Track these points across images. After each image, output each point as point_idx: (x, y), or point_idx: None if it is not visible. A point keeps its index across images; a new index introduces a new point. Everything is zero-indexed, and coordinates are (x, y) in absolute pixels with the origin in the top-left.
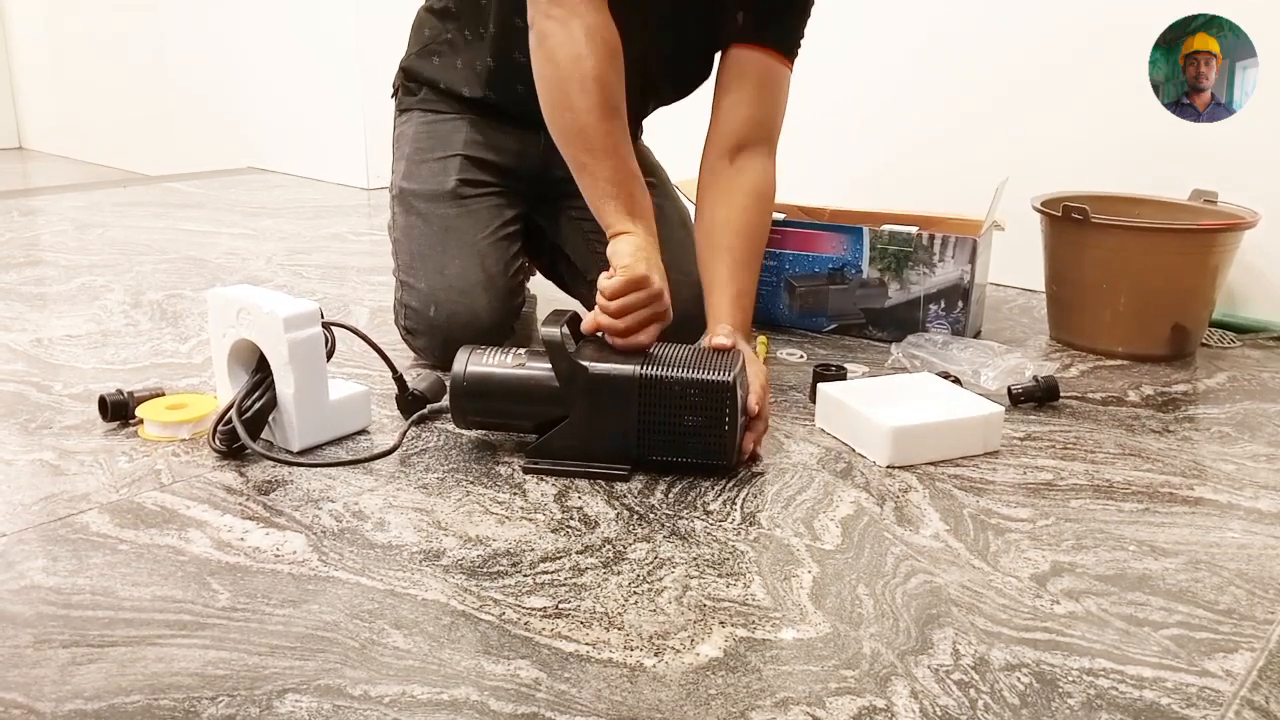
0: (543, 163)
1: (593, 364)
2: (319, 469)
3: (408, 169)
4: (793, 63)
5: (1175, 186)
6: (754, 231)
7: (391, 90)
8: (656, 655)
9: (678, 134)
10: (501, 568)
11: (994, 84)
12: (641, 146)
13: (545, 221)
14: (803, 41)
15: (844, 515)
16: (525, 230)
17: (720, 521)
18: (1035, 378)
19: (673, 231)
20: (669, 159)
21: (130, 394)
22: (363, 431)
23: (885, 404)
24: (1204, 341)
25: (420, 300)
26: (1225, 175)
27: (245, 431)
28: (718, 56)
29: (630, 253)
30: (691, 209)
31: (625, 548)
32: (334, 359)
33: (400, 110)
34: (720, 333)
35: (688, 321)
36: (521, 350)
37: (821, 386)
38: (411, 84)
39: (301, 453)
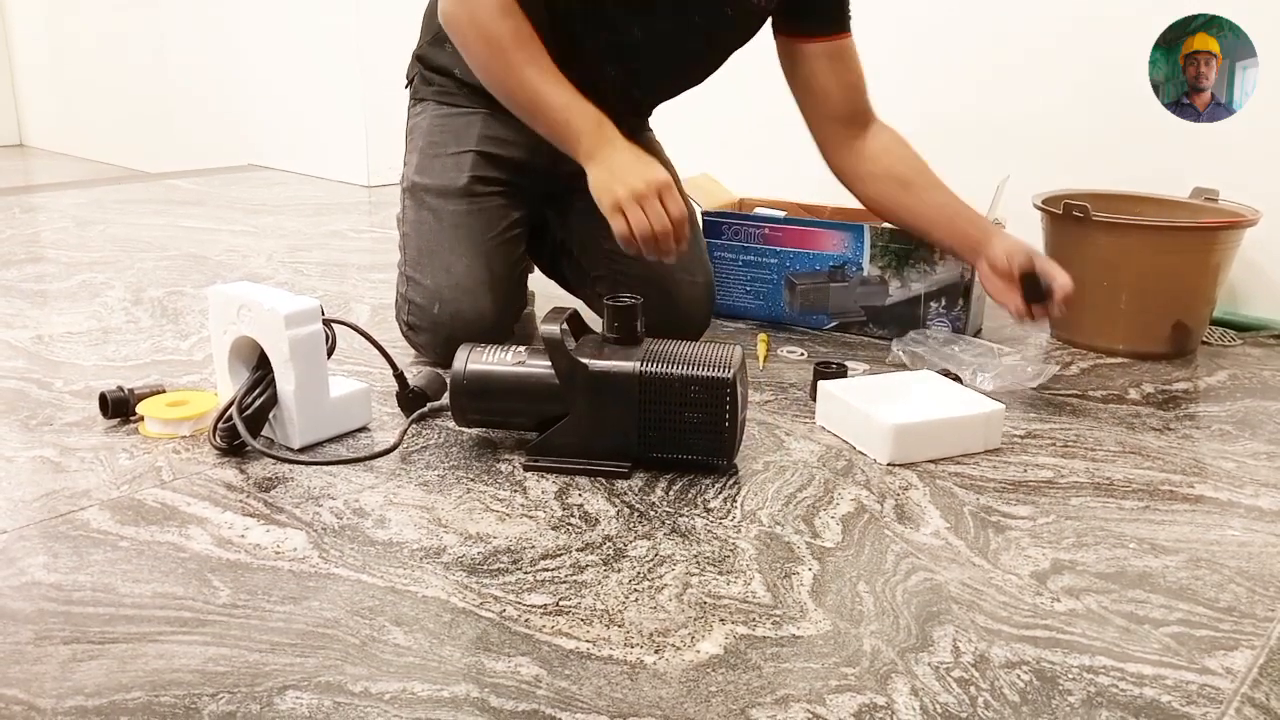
0: (553, 158)
1: (593, 361)
2: (319, 466)
3: (421, 162)
4: (848, 31)
5: (1176, 184)
6: (926, 167)
7: (406, 80)
8: (657, 652)
9: (684, 132)
10: (502, 565)
11: (995, 82)
12: (654, 143)
13: (552, 218)
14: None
15: (844, 513)
16: (530, 227)
17: (721, 519)
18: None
19: (695, 235)
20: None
21: (131, 391)
22: (363, 429)
23: (886, 402)
24: (1205, 339)
25: (425, 297)
26: (1226, 173)
27: (246, 429)
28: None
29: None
30: (697, 210)
31: (626, 545)
32: (334, 356)
33: (415, 100)
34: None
35: (690, 321)
36: (522, 348)
37: (822, 384)
38: (428, 73)
39: (302, 450)
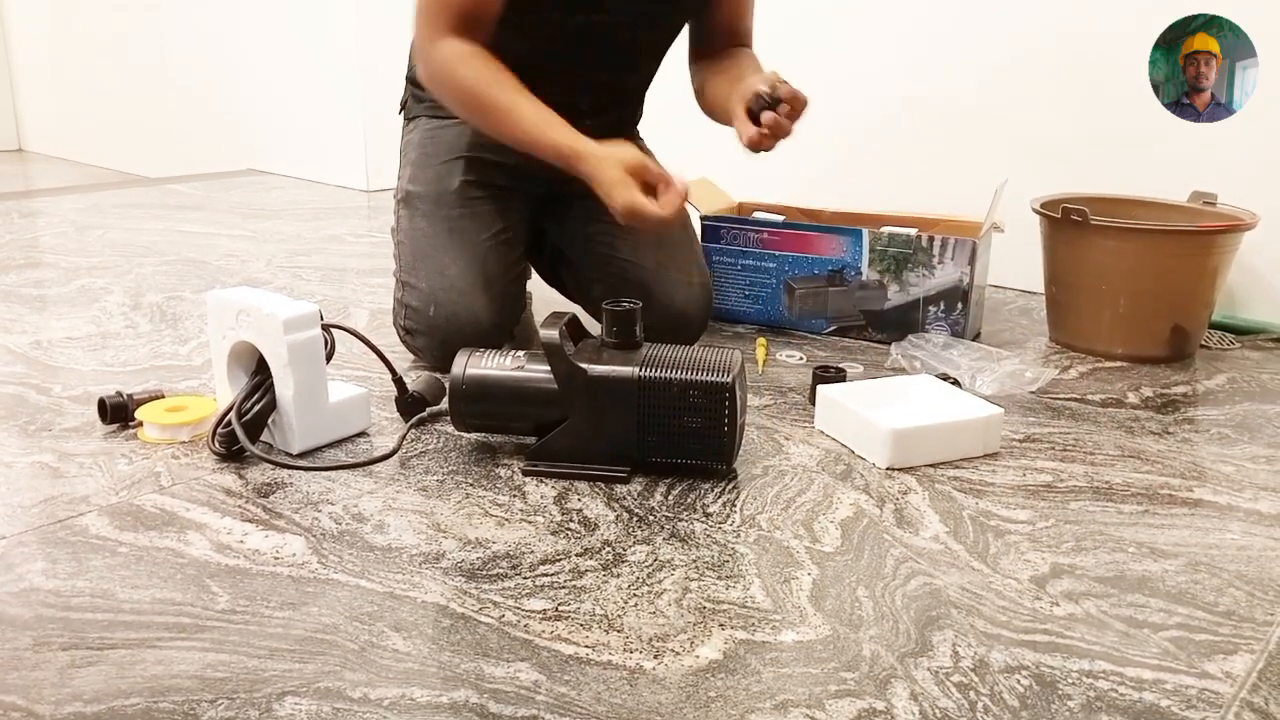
0: (546, 164)
1: (591, 366)
2: (318, 471)
3: (413, 173)
4: None
5: (1174, 188)
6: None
7: (400, 105)
8: (656, 658)
9: (682, 136)
10: (501, 570)
11: (993, 85)
12: (641, 145)
13: (550, 224)
14: None
15: (843, 517)
16: (528, 232)
17: (720, 524)
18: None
19: (675, 232)
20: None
21: (130, 396)
22: (362, 434)
23: (885, 406)
24: (1203, 343)
25: (420, 300)
26: (1224, 177)
27: (245, 434)
28: None
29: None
30: (696, 214)
31: (625, 550)
32: (333, 361)
33: (407, 119)
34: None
35: (686, 322)
36: (520, 352)
37: (821, 388)
38: (419, 91)
39: (301, 455)
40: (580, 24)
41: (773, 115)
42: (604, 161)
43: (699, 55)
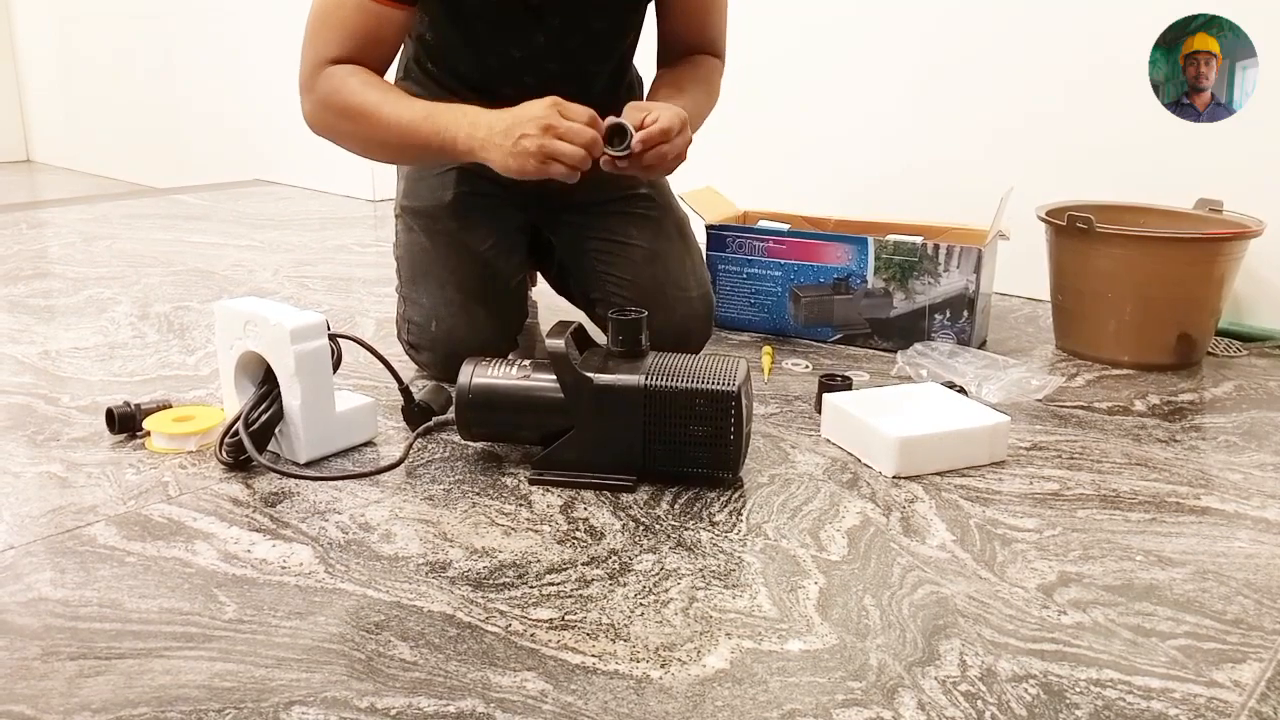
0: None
1: (597, 375)
2: (325, 481)
3: (408, 187)
4: None
5: (1180, 195)
6: (699, 84)
7: None
8: (663, 667)
9: None
10: (508, 579)
11: (998, 93)
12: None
13: (549, 233)
14: None
15: (850, 526)
16: (532, 239)
17: (726, 532)
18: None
19: (671, 244)
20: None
21: (137, 406)
22: (369, 443)
23: (891, 414)
24: (1210, 350)
25: (423, 315)
26: (1230, 184)
27: (252, 443)
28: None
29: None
30: (693, 216)
31: (631, 559)
32: (340, 371)
33: None
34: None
35: (686, 335)
36: (526, 362)
37: (827, 397)
38: None
39: (308, 464)
40: (518, 55)
41: (608, 158)
42: (500, 115)
43: (659, 61)
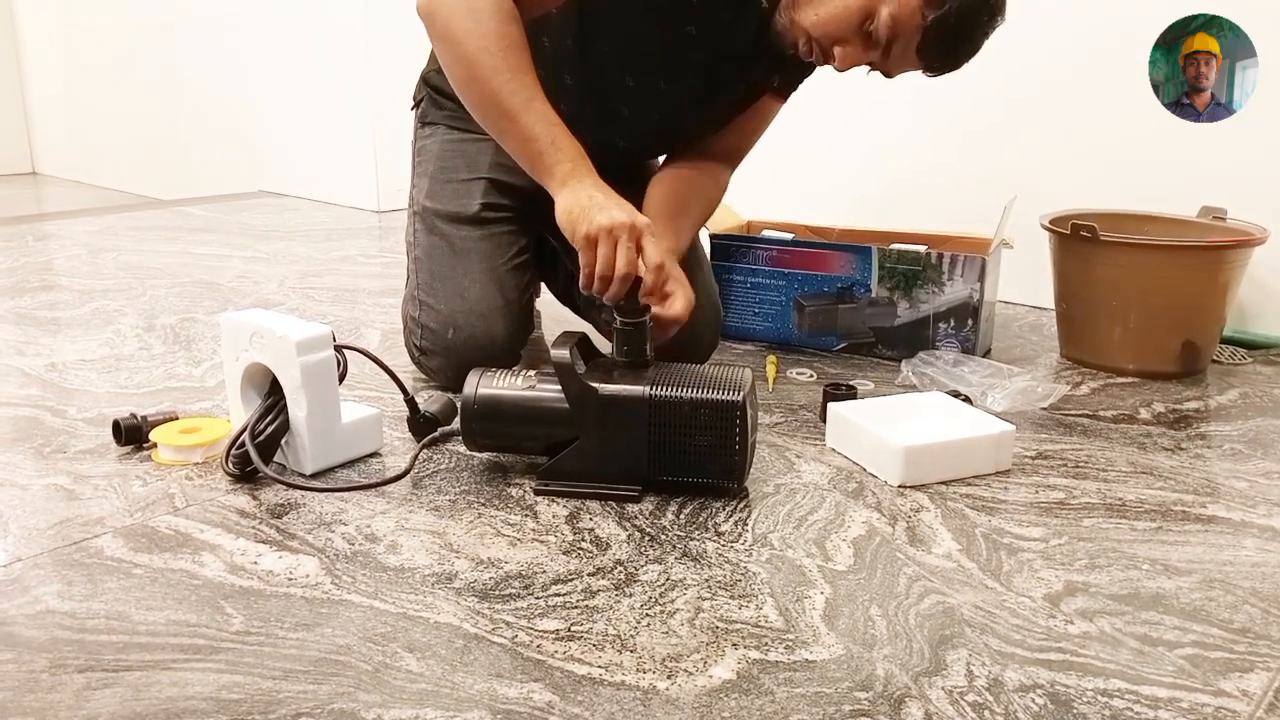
0: None
1: (602, 385)
2: (331, 492)
3: (431, 187)
4: (785, 97)
5: (1184, 203)
6: (704, 206)
7: (413, 101)
8: (669, 678)
9: None
10: (514, 590)
11: (1001, 102)
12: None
13: (559, 247)
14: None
15: (856, 535)
16: (538, 253)
17: (732, 542)
18: None
19: (699, 260)
20: None
21: (144, 418)
22: (375, 454)
23: (896, 423)
24: (1215, 358)
25: (439, 321)
26: (1234, 191)
27: (258, 455)
28: None
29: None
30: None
31: (637, 569)
32: (346, 382)
33: (423, 123)
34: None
35: (696, 345)
36: (532, 372)
37: (832, 406)
38: (438, 97)
39: (314, 476)
40: (641, 84)
41: (611, 321)
42: (600, 183)
43: (675, 149)
